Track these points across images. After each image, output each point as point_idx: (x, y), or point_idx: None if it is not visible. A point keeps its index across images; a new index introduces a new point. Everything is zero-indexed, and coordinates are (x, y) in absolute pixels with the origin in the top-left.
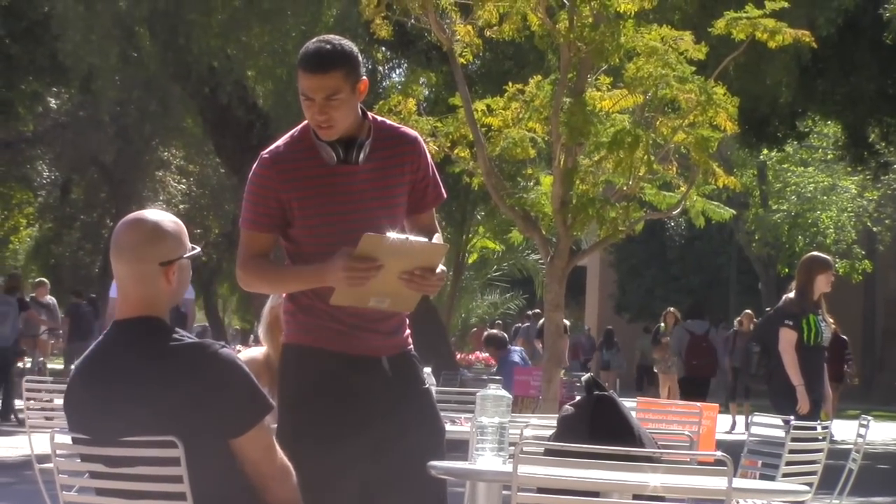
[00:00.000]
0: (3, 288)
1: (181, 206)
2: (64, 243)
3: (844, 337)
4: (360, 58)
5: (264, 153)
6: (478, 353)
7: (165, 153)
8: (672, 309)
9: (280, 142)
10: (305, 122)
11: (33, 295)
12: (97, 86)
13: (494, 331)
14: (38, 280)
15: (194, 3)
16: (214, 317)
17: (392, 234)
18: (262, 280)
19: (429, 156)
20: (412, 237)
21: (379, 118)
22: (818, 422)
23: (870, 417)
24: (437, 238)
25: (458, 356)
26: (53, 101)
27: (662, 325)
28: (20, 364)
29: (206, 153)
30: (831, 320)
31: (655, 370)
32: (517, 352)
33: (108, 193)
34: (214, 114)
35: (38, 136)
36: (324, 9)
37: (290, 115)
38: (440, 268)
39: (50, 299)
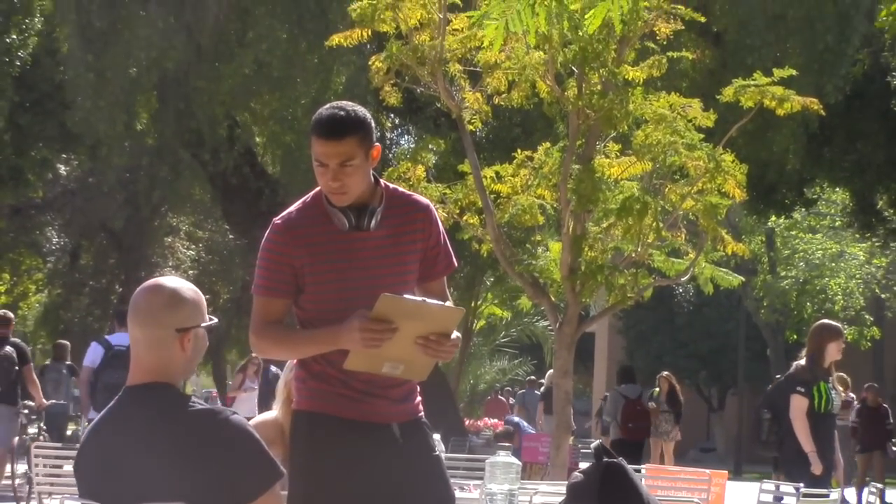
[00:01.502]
0: (52, 356)
1: (190, 272)
2: (73, 309)
3: (886, 406)
4: (374, 124)
5: (276, 220)
6: (486, 419)
7: (174, 219)
8: (666, 373)
9: (292, 208)
10: (318, 188)
11: None
12: (106, 153)
13: (500, 430)
14: None
15: (204, 70)
16: (223, 383)
17: (409, 296)
18: (276, 345)
19: (440, 224)
20: (429, 300)
21: (391, 185)
22: (829, 489)
23: (881, 485)
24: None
25: (467, 422)
26: (63, 168)
27: (657, 389)
28: (69, 431)
29: (214, 219)
30: (841, 388)
31: (651, 436)
32: (521, 422)
33: (116, 260)
34: (223, 180)
35: (47, 202)
36: (333, 76)
37: (299, 182)
38: (455, 334)
39: None
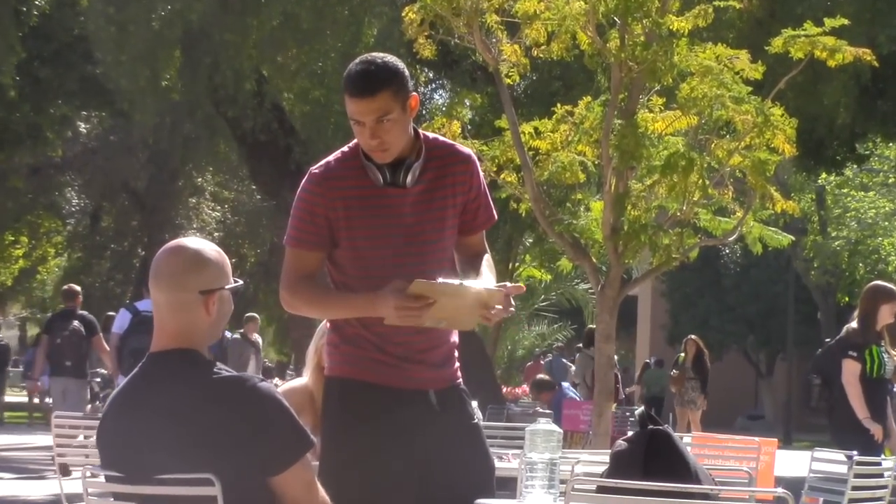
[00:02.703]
0: (102, 327)
1: (216, 234)
2: (94, 273)
3: None
4: (408, 72)
5: (314, 168)
6: (525, 386)
7: (199, 179)
8: (693, 336)
9: (331, 157)
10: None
11: (242, 331)
12: (128, 109)
13: (541, 376)
14: (248, 315)
15: (230, 23)
16: None
17: (443, 280)
18: (308, 304)
19: (482, 176)
20: (466, 282)
21: (431, 136)
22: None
23: None
24: (489, 261)
25: (505, 390)
26: (83, 126)
27: (682, 354)
28: None
29: (241, 179)
30: (894, 352)
31: (675, 405)
32: (568, 388)
33: (139, 221)
34: (251, 138)
35: (66, 161)
36: (364, 28)
37: (328, 139)
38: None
39: (257, 337)
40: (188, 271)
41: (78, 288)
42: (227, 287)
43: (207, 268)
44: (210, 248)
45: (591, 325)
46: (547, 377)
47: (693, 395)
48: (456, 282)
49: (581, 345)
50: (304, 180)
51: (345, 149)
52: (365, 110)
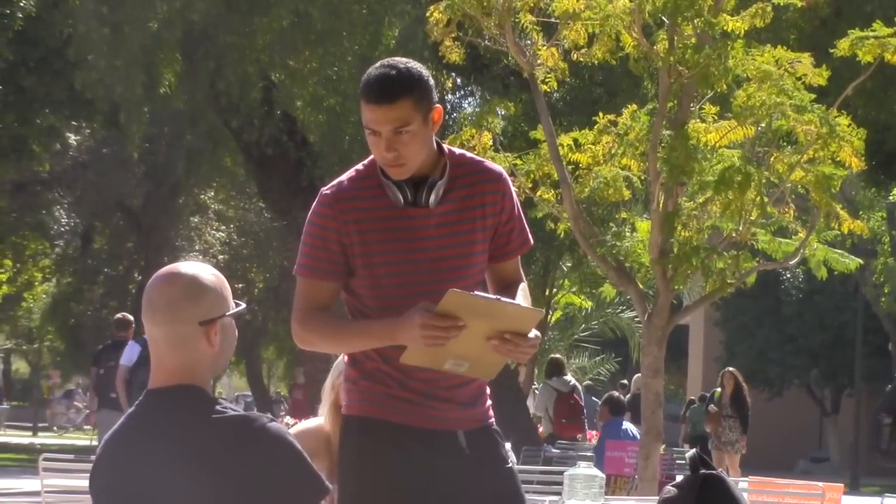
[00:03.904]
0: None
1: (220, 257)
2: (85, 300)
3: None
4: (432, 81)
5: (325, 189)
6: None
7: (202, 196)
8: (731, 369)
9: (344, 177)
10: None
11: None
12: (124, 119)
13: (616, 393)
14: None
15: (235, 23)
16: (258, 385)
17: (481, 293)
18: (322, 337)
19: (515, 196)
20: (504, 299)
21: (458, 151)
22: None
23: None
24: (524, 290)
25: (541, 429)
26: (73, 138)
27: (718, 390)
28: None
29: (248, 196)
30: None
31: (711, 447)
32: (628, 425)
33: (135, 243)
34: (258, 151)
35: (55, 177)
36: (384, 29)
37: (344, 151)
38: (533, 332)
39: None
40: (184, 301)
41: (131, 318)
42: (227, 314)
43: (206, 295)
44: (207, 273)
45: (553, 356)
46: (615, 395)
47: (731, 435)
48: (493, 297)
49: (546, 376)
50: (314, 202)
51: (359, 166)
52: (382, 119)
